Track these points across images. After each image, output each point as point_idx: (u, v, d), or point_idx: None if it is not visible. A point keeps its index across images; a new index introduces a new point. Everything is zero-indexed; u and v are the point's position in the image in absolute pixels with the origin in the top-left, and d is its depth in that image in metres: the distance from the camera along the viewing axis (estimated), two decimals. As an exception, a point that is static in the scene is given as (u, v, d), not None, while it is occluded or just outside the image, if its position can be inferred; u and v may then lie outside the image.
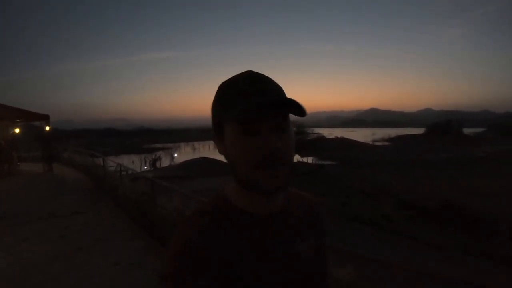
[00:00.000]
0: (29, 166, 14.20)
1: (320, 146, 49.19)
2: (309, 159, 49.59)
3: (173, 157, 62.85)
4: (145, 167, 46.33)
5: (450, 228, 20.45)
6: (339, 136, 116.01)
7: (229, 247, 0.65)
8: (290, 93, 0.72)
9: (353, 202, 25.80)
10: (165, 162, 55.19)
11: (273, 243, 0.70)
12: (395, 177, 41.27)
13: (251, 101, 0.62)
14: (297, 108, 0.64)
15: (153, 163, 51.03)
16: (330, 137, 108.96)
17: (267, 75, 0.69)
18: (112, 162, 11.87)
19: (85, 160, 14.83)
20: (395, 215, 23.19)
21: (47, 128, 13.99)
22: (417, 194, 29.34)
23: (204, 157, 45.91)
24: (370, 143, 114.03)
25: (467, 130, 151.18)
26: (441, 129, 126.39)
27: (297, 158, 46.30)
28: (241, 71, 0.71)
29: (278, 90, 0.69)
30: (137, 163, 44.78)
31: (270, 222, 0.71)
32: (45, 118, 13.62)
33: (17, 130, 14.93)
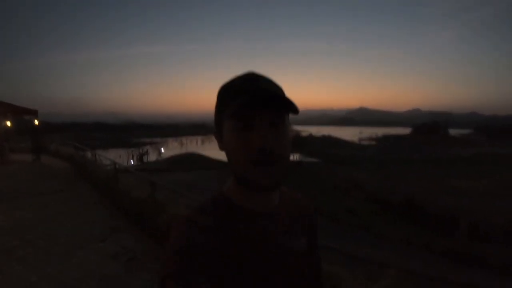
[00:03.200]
0: (19, 156, 15.35)
1: (300, 143, 50.81)
2: (296, 156, 50.90)
3: (160, 152, 63.78)
4: (132, 162, 47.23)
5: (407, 222, 22.09)
6: (326, 134, 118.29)
7: (228, 244, 0.66)
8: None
9: (323, 196, 26.71)
10: (153, 157, 56.06)
11: (271, 240, 0.72)
12: (372, 174, 42.99)
13: (245, 98, 0.63)
14: (290, 106, 0.65)
15: (140, 157, 51.43)
16: (318, 135, 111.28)
17: (259, 71, 0.71)
18: (93, 154, 13.51)
19: (69, 151, 16.05)
20: (360, 209, 24.56)
21: (36, 122, 15.10)
22: (387, 191, 30.71)
23: (191, 153, 47.37)
24: (356, 141, 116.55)
25: (454, 131, 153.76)
26: (427, 129, 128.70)
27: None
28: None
29: (276, 89, 0.70)
30: (124, 158, 45.17)
31: (268, 219, 0.73)
32: (34, 113, 14.67)
33: (8, 123, 15.69)
